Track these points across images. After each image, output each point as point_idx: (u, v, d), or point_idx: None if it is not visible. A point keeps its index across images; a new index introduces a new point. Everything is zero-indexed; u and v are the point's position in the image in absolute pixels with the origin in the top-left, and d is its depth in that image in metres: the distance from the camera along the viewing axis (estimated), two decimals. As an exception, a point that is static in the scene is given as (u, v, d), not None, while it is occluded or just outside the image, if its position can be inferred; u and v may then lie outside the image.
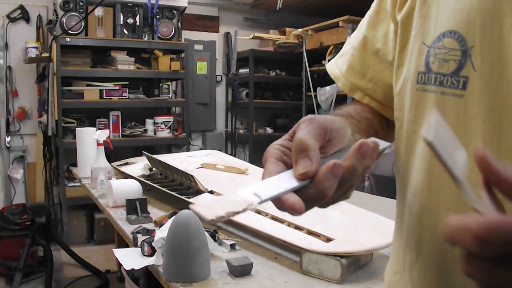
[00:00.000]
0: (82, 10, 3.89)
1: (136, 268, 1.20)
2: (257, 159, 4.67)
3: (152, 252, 1.23)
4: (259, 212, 1.43)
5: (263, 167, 0.47)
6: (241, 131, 5.28)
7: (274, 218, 1.37)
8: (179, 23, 4.49)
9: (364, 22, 0.71)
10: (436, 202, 0.53)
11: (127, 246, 1.43)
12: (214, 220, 0.39)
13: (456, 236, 0.30)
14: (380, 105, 0.69)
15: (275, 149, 0.48)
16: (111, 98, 4.07)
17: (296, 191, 0.43)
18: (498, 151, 0.47)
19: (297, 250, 1.21)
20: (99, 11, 3.98)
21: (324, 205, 0.47)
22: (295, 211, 0.42)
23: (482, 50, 0.48)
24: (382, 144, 0.52)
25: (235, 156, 4.23)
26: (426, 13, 0.56)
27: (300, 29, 4.87)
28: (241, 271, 1.13)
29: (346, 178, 0.45)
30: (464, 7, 0.50)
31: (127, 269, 1.23)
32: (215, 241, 1.30)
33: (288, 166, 0.46)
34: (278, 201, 0.43)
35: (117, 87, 4.10)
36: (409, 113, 0.58)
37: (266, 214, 1.40)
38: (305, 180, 0.44)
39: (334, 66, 0.75)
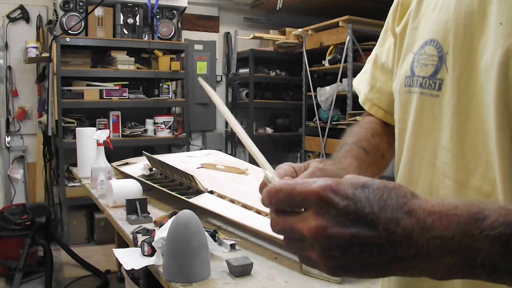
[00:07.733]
0: (82, 10, 3.89)
1: (136, 268, 1.20)
2: (257, 159, 4.67)
3: (152, 252, 1.23)
4: (259, 212, 1.43)
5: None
6: (241, 131, 5.26)
7: (274, 218, 1.37)
8: (179, 23, 4.50)
9: (378, 40, 0.81)
10: (414, 189, 0.60)
11: (127, 246, 1.43)
12: None
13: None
14: (385, 113, 0.78)
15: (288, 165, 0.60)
16: (111, 98, 4.07)
17: None
18: (463, 144, 0.53)
19: (297, 250, 1.21)
20: (99, 11, 3.98)
21: None
22: None
23: (454, 55, 0.55)
24: None
25: (235, 156, 4.23)
26: (416, 25, 0.63)
27: (300, 29, 4.87)
28: (241, 271, 1.13)
29: None
30: (442, 19, 0.57)
31: (127, 269, 1.23)
32: (215, 241, 1.30)
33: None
34: None
35: (117, 87, 4.09)
36: (399, 113, 0.65)
37: (266, 214, 1.40)
38: None
39: (359, 82, 0.86)
